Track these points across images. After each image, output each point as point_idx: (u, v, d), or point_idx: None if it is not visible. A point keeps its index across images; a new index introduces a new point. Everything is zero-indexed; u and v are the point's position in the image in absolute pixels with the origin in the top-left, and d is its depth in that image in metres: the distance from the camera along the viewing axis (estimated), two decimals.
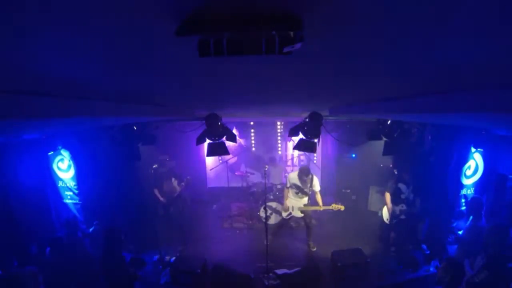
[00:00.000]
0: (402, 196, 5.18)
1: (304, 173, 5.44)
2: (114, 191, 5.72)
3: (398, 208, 5.18)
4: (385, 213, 5.42)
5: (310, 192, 5.69)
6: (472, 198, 4.44)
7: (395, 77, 1.60)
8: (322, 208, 5.61)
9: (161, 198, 5.78)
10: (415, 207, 5.17)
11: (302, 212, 5.67)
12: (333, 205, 5.63)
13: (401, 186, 5.22)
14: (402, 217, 5.14)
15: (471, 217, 4.31)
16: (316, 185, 5.63)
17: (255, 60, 1.12)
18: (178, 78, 1.63)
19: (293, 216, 5.73)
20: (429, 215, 5.20)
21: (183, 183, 5.87)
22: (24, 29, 0.70)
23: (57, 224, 4.74)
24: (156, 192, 5.84)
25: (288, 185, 5.70)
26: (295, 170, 8.47)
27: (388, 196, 5.29)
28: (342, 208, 5.60)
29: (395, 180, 5.31)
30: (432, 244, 4.84)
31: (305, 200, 5.71)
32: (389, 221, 5.31)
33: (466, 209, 4.35)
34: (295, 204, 5.65)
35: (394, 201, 5.22)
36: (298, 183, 5.53)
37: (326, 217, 7.57)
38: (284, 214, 5.76)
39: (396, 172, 5.54)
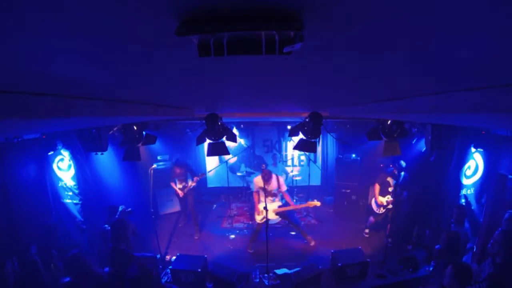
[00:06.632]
0: (390, 189, 5.79)
1: (267, 175, 5.39)
2: (114, 191, 5.73)
3: (384, 199, 5.80)
4: (374, 203, 5.99)
5: (279, 194, 5.71)
6: (456, 207, 4.50)
7: (396, 77, 1.60)
8: (293, 207, 5.83)
9: (179, 192, 6.27)
10: (402, 197, 5.77)
11: (278, 214, 5.61)
12: (309, 202, 5.77)
13: (390, 180, 5.82)
14: (389, 206, 5.77)
15: (452, 224, 4.43)
16: (282, 185, 5.64)
17: (255, 60, 1.12)
18: (178, 78, 1.63)
19: (268, 220, 5.43)
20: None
21: (197, 178, 6.29)
22: (23, 29, 0.70)
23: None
24: (173, 185, 6.36)
25: (255, 190, 5.69)
26: (293, 171, 8.50)
27: (377, 188, 5.88)
28: (318, 204, 5.70)
29: (385, 173, 5.89)
30: (433, 244, 4.83)
31: (278, 202, 5.68)
32: (378, 210, 5.91)
33: (452, 215, 4.44)
34: (268, 207, 5.44)
35: (382, 192, 5.83)
36: (264, 186, 5.40)
37: (326, 217, 7.58)
38: (259, 218, 5.65)
39: (395, 171, 5.66)
